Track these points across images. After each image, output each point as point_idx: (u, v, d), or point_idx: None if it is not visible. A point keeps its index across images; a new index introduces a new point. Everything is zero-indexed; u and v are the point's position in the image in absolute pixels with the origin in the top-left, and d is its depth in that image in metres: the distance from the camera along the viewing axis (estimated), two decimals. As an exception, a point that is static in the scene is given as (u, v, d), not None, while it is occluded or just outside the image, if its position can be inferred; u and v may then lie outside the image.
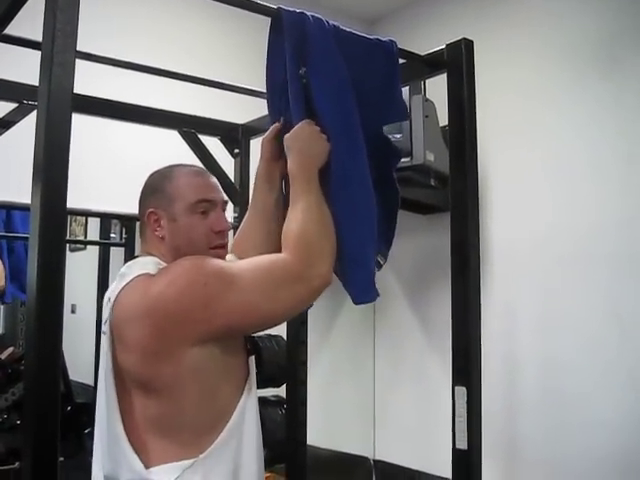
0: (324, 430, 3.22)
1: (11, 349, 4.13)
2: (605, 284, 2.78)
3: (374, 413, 3.64)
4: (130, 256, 3.55)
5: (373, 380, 3.68)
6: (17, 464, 4.22)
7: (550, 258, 2.99)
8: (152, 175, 1.54)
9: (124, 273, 1.41)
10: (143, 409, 1.32)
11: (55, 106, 1.22)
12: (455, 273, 1.80)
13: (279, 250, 1.44)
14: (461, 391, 1.75)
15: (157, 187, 1.49)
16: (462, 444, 1.74)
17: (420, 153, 2.82)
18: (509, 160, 3.19)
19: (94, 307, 3.72)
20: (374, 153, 1.60)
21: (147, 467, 1.30)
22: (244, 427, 1.40)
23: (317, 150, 1.49)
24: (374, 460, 3.58)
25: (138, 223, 1.57)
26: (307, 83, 1.52)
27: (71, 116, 1.23)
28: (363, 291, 1.52)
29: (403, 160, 2.84)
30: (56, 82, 1.22)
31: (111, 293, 1.40)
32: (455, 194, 1.81)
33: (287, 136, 1.52)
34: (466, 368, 1.76)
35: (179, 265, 1.34)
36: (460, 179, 1.81)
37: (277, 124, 1.63)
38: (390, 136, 2.87)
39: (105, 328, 1.39)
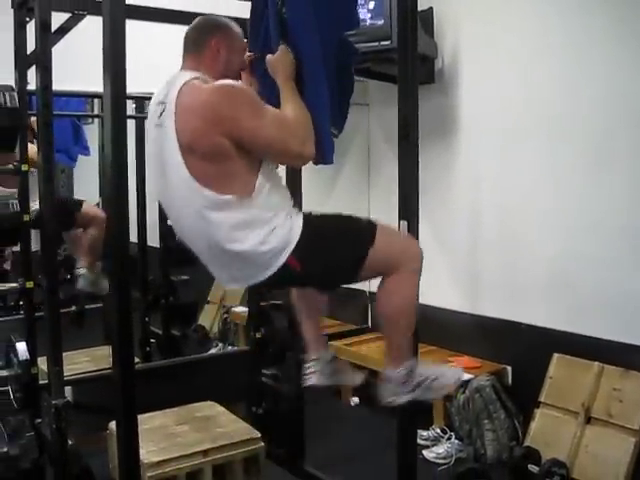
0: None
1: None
2: (544, 148, 3.45)
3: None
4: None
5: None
6: (74, 307, 4.99)
7: (505, 126, 3.64)
8: (208, 17, 2.07)
9: (172, 81, 1.91)
10: (205, 170, 1.87)
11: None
12: (400, 136, 2.37)
13: None
14: (404, 224, 2.39)
15: (223, 26, 2.04)
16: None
17: (399, 36, 3.32)
18: (479, 41, 3.74)
19: (134, 177, 4.35)
20: (337, 55, 2.09)
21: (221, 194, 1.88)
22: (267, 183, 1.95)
23: (292, 68, 2.03)
24: (369, 292, 4.32)
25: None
26: (285, 18, 2.03)
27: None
28: (322, 156, 2.09)
29: (384, 43, 3.39)
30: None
31: (164, 97, 1.90)
32: (400, 75, 2.36)
33: (272, 60, 2.04)
34: (408, 208, 2.38)
35: (229, 84, 1.88)
36: (403, 62, 2.33)
37: (251, 55, 2.15)
38: (373, 22, 3.43)
39: (162, 122, 1.89)
